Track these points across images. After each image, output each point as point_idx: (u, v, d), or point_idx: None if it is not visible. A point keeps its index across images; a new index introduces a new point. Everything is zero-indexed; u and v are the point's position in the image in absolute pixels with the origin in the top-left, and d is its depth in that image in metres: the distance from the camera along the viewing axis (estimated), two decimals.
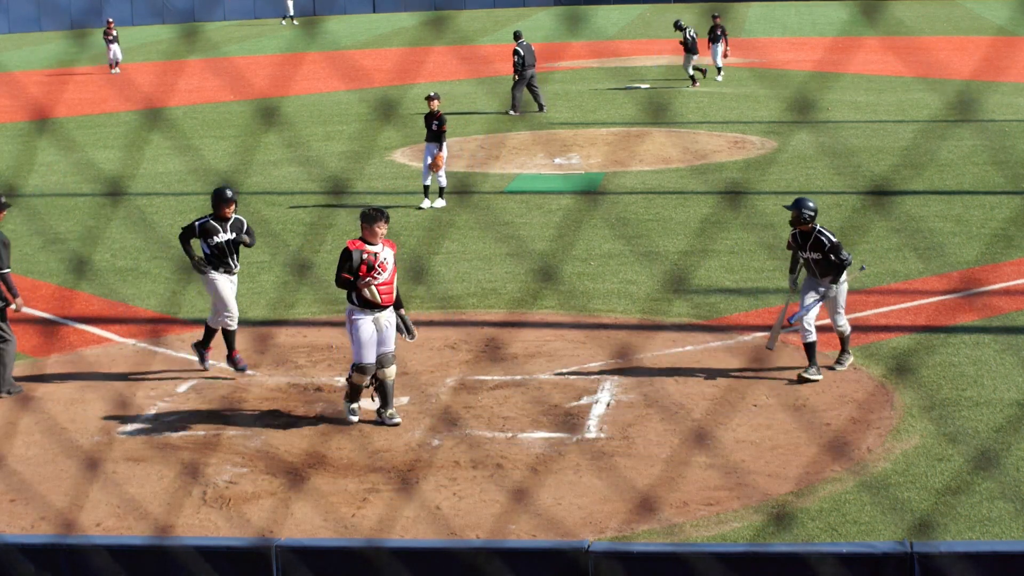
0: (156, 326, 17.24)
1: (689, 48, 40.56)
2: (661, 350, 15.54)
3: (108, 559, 7.56)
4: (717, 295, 17.80)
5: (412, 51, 54.35)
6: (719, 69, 42.19)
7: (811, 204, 14.49)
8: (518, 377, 14.80)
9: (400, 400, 14.23)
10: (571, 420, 13.51)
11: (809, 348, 14.48)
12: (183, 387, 14.87)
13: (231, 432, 13.43)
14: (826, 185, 25.12)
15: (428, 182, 23.60)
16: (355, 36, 64.85)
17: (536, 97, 35.84)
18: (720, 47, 41.76)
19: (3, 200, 14.92)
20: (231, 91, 42.98)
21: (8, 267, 14.62)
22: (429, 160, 23.38)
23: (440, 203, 23.61)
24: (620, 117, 35.19)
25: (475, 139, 31.74)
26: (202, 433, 13.47)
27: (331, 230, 22.41)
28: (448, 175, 24.18)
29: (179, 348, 16.22)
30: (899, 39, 52.62)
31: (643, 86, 41.64)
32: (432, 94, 23.46)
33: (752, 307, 17.31)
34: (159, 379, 15.13)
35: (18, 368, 15.76)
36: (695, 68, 40.88)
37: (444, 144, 23.30)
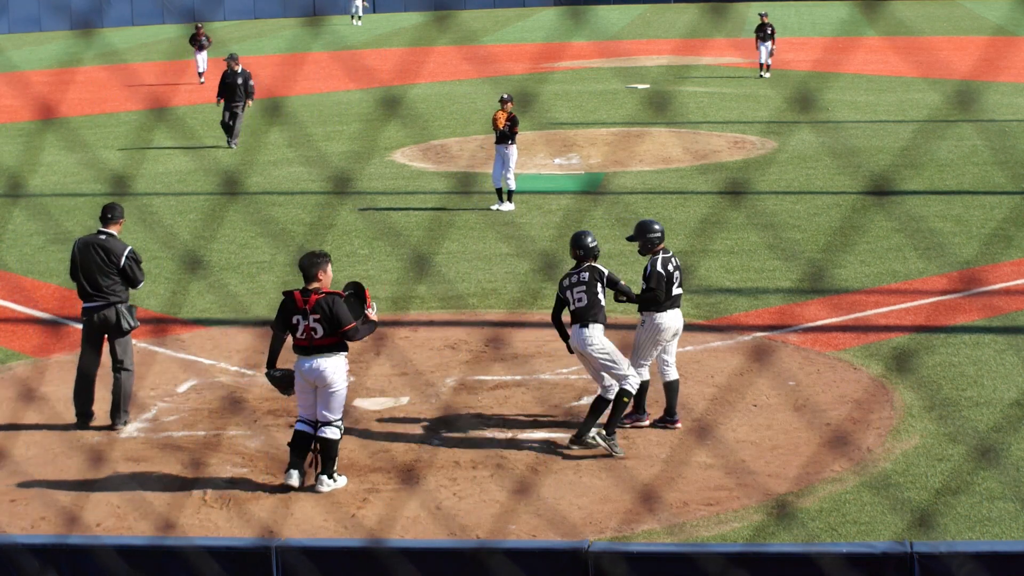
0: (157, 326, 17.24)
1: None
2: None
3: (108, 559, 7.57)
4: (717, 294, 17.81)
5: (413, 51, 54.36)
6: (767, 67, 42.95)
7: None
8: (518, 377, 14.81)
9: (401, 400, 14.24)
10: (571, 420, 13.51)
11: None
12: (183, 387, 14.88)
13: (231, 432, 13.43)
14: (826, 185, 25.13)
15: (500, 185, 23.62)
16: (356, 36, 64.86)
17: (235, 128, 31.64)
18: (769, 45, 42.60)
19: None
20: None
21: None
22: (501, 162, 23.35)
23: (508, 206, 23.65)
24: (620, 117, 35.20)
25: (475, 139, 31.75)
26: (202, 433, 13.47)
27: (332, 230, 22.43)
28: (448, 175, 24.17)
29: (179, 348, 16.23)
30: (899, 39, 52.63)
31: (643, 86, 41.67)
32: (506, 96, 23.43)
33: (752, 307, 17.32)
34: (159, 379, 15.13)
35: (19, 368, 15.78)
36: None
37: (512, 145, 23.29)
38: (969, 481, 11.72)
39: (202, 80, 44.95)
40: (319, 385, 11.96)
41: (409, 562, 7.42)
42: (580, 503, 11.64)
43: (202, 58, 45.20)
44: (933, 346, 15.40)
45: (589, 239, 12.91)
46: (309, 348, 11.92)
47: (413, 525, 11.34)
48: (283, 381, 12.17)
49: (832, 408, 13.64)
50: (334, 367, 11.96)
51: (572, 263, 12.98)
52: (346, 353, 12.08)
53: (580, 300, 12.67)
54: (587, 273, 12.77)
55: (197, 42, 45.02)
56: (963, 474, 11.88)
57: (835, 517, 11.14)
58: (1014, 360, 14.86)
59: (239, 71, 31.11)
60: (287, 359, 12.29)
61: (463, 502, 11.73)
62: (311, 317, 11.88)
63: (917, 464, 12.16)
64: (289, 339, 12.10)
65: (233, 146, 31.23)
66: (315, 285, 12.05)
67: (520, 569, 7.29)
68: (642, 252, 13.30)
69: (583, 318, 12.65)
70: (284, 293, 12.19)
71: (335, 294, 12.07)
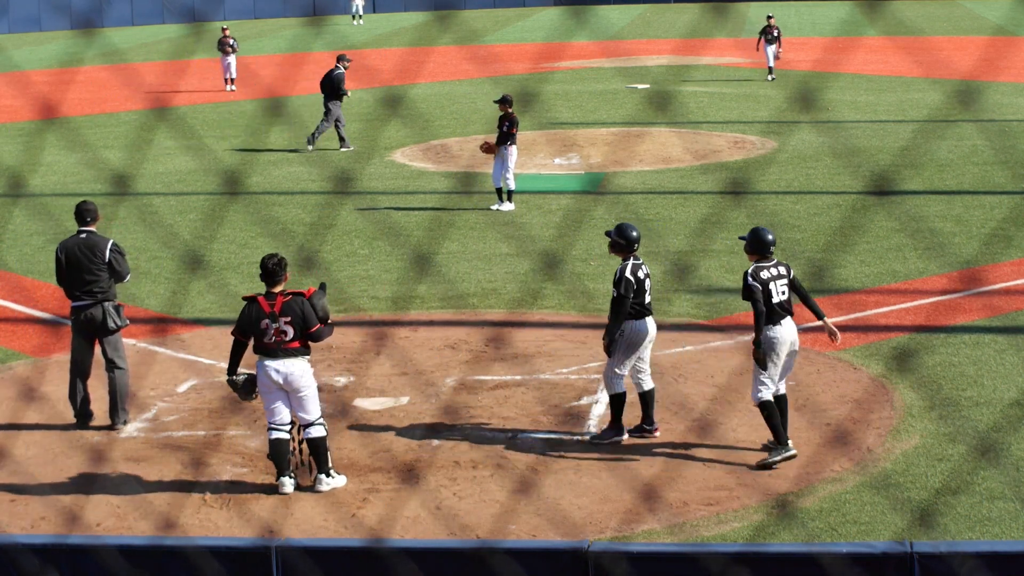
0: (157, 326, 17.25)
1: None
2: (661, 350, 15.50)
3: (109, 559, 7.57)
4: (717, 294, 17.80)
5: (413, 50, 54.36)
6: (771, 69, 42.22)
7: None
8: (518, 377, 14.80)
9: (401, 400, 14.24)
10: (571, 420, 13.51)
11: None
12: (183, 387, 14.88)
13: (231, 432, 13.44)
14: (826, 184, 25.13)
15: (500, 184, 23.63)
16: (357, 35, 64.86)
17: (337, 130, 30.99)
18: (774, 48, 41.73)
19: None
20: (232, 91, 42.90)
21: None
22: (501, 162, 23.34)
23: (508, 206, 23.67)
24: (620, 117, 35.19)
25: (476, 139, 31.72)
26: (202, 433, 13.47)
27: (332, 230, 22.43)
28: (448, 175, 24.13)
29: (179, 348, 16.23)
30: (899, 39, 52.64)
31: (643, 86, 41.66)
32: (502, 97, 23.41)
33: None
34: (159, 379, 15.13)
35: (19, 368, 15.78)
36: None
37: (512, 145, 23.25)
38: (969, 481, 11.72)
39: (232, 87, 42.71)
40: (289, 389, 11.92)
41: (410, 562, 7.42)
42: (580, 503, 11.64)
43: (231, 63, 42.59)
44: (933, 346, 15.40)
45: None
46: (277, 351, 11.89)
47: (413, 525, 11.34)
48: (246, 386, 12.15)
49: (832, 408, 13.64)
50: (301, 369, 11.93)
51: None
52: (309, 356, 12.04)
53: (783, 293, 12.39)
54: (784, 267, 12.55)
55: (224, 47, 42.51)
56: (963, 474, 11.88)
57: (835, 517, 11.14)
58: (1014, 360, 14.86)
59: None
60: (245, 363, 12.25)
61: (463, 502, 11.73)
62: (281, 320, 11.86)
63: (917, 464, 12.16)
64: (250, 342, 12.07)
65: (311, 148, 30.29)
66: (280, 288, 12.05)
67: (521, 569, 7.29)
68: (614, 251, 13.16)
69: (790, 311, 12.41)
70: (246, 298, 12.15)
71: (299, 294, 12.06)
